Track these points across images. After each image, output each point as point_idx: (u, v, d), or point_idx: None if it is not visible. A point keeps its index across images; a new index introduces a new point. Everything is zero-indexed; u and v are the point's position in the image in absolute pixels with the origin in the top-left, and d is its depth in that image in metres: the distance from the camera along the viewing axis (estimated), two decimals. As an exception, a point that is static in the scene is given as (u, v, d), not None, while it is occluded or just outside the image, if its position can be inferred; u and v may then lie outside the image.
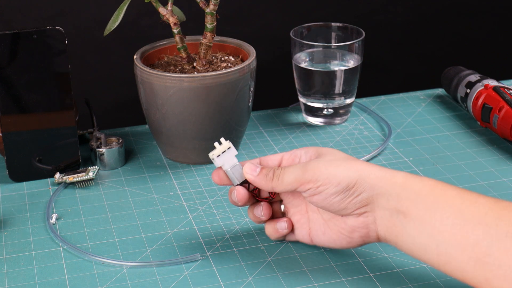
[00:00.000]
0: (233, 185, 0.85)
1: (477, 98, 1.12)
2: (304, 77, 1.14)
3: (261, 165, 0.84)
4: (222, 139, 0.84)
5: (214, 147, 0.83)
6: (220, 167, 0.85)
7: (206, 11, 1.01)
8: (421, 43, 1.74)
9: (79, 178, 1.00)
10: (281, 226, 0.85)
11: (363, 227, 0.80)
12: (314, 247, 0.88)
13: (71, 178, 1.01)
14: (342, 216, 0.81)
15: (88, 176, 1.01)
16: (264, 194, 0.86)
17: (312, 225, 0.84)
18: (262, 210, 0.85)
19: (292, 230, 0.86)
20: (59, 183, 1.01)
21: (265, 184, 0.82)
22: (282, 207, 0.86)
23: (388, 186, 0.77)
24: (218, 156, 0.84)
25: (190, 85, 0.99)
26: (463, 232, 0.72)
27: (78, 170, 1.02)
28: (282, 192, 0.85)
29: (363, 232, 0.80)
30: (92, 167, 1.02)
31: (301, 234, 0.85)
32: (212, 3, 1.00)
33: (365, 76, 1.21)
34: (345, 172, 0.78)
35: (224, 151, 0.84)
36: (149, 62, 1.07)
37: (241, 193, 0.84)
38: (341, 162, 0.80)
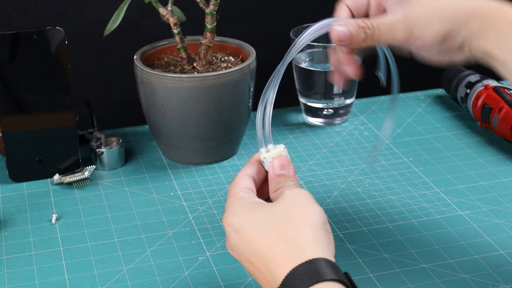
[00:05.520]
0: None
1: (477, 98, 1.12)
2: (304, 77, 1.14)
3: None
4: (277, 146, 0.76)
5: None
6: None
7: (206, 11, 1.01)
8: (421, 43, 1.73)
9: (75, 178, 1.00)
10: None
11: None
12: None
13: (67, 178, 1.01)
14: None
15: (84, 176, 1.00)
16: None
17: None
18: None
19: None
20: (58, 184, 1.02)
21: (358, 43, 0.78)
22: None
23: (480, 24, 0.74)
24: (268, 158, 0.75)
25: (190, 85, 0.99)
26: None
27: (76, 170, 1.02)
28: None
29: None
30: (89, 167, 1.02)
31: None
32: (212, 3, 1.00)
33: (365, 76, 1.21)
34: (439, 23, 0.75)
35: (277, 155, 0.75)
36: (149, 62, 1.07)
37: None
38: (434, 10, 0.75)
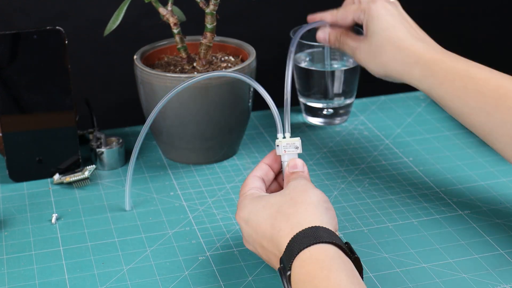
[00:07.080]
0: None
1: (477, 98, 1.12)
2: (304, 77, 1.14)
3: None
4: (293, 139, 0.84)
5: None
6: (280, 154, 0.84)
7: (206, 11, 1.01)
8: (421, 43, 1.73)
9: (75, 178, 1.00)
10: None
11: None
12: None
13: (68, 178, 1.01)
14: None
15: (84, 175, 1.00)
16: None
17: None
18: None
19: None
20: (58, 184, 1.02)
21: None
22: None
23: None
24: (284, 145, 0.84)
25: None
26: None
27: (76, 170, 1.02)
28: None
29: None
30: (89, 167, 1.02)
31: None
32: (212, 3, 1.00)
33: (365, 76, 1.21)
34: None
35: (293, 143, 0.84)
36: (149, 62, 1.07)
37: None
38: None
